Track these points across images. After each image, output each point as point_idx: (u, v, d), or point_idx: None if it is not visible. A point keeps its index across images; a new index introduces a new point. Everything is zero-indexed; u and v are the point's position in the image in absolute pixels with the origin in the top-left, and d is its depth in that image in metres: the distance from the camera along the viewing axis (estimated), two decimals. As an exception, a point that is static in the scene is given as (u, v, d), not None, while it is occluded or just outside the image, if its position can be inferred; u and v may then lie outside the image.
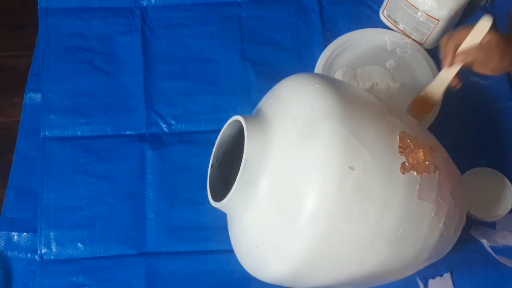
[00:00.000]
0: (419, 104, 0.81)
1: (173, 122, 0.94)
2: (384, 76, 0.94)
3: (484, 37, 0.74)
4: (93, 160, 0.91)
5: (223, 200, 0.64)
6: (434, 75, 0.93)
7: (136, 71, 0.97)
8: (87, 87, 0.96)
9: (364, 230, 0.59)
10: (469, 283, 0.84)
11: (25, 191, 0.90)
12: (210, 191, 0.69)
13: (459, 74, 0.78)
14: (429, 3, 0.89)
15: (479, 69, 0.76)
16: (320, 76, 0.69)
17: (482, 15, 0.85)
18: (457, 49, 0.76)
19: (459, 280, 0.83)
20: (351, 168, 0.57)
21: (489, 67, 0.75)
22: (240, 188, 0.62)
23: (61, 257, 0.86)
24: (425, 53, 0.96)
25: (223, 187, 0.67)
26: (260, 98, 0.74)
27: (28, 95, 0.97)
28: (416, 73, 0.95)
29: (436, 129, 0.82)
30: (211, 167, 0.72)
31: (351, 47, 0.96)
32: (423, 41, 0.96)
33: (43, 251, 0.86)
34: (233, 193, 0.62)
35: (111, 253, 0.86)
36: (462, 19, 0.97)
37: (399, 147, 0.61)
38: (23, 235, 0.87)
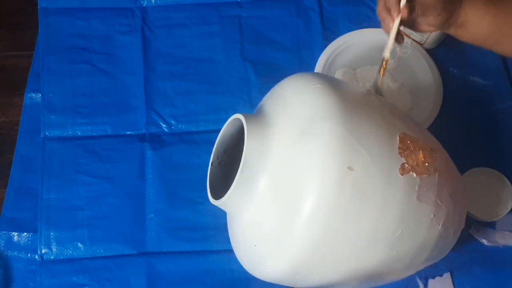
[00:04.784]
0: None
1: (173, 122, 0.94)
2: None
3: None
4: (93, 160, 0.91)
5: (223, 197, 0.64)
6: (434, 75, 0.94)
7: (136, 71, 0.97)
8: (87, 87, 0.96)
9: (362, 230, 0.59)
10: (469, 283, 0.83)
11: (25, 191, 0.90)
12: (210, 189, 0.69)
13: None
14: (429, 3, 0.89)
15: (419, 20, 0.71)
16: (321, 76, 0.69)
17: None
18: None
19: (459, 280, 0.83)
20: (350, 168, 0.57)
21: (428, 20, 0.70)
22: (240, 186, 0.62)
23: (61, 257, 0.86)
24: (425, 53, 0.96)
25: (223, 185, 0.67)
26: (260, 98, 0.74)
27: (28, 95, 0.97)
28: (416, 73, 0.95)
29: (436, 129, 0.82)
30: (212, 164, 0.72)
31: (351, 47, 0.96)
32: (423, 41, 0.96)
33: (43, 251, 0.86)
34: (233, 191, 0.62)
35: (111, 253, 0.86)
36: (462, 19, 0.97)
37: (399, 148, 0.61)
38: (23, 235, 0.87)
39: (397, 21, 0.70)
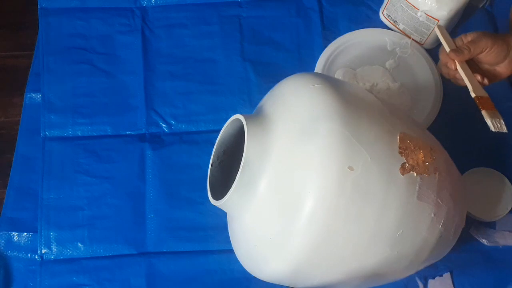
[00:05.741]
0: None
1: (173, 122, 0.94)
2: (384, 76, 0.94)
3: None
4: (93, 160, 0.91)
5: (223, 198, 0.64)
6: (434, 75, 0.94)
7: (136, 71, 0.97)
8: (87, 87, 0.96)
9: (363, 230, 0.59)
10: (469, 283, 0.84)
11: (25, 191, 0.90)
12: (210, 190, 0.69)
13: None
14: (429, 3, 0.89)
15: (481, 59, 0.76)
16: (321, 76, 0.69)
17: (482, 16, 0.85)
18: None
19: (459, 280, 0.83)
20: (350, 168, 0.57)
21: (487, 56, 0.75)
22: (240, 187, 0.62)
23: (61, 257, 0.86)
24: (425, 53, 0.96)
25: (223, 185, 0.67)
26: (260, 98, 0.74)
27: (28, 95, 0.97)
28: (416, 73, 0.95)
29: (436, 129, 0.82)
30: (212, 165, 0.72)
31: (351, 47, 0.96)
32: (423, 41, 0.96)
33: (43, 251, 0.86)
34: (233, 192, 0.62)
35: (111, 253, 0.86)
36: (462, 20, 0.97)
37: (399, 147, 0.61)
38: (23, 235, 0.87)
39: (460, 67, 0.74)
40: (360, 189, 0.58)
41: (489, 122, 0.70)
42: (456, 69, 0.75)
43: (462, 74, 0.74)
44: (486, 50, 0.74)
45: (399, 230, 0.60)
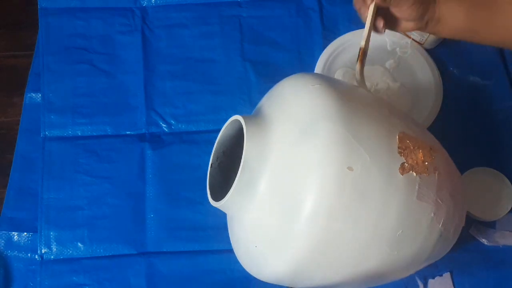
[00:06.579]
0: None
1: (173, 122, 0.94)
2: (384, 76, 0.94)
3: None
4: (93, 160, 0.91)
5: (223, 199, 0.64)
6: (434, 75, 0.94)
7: (136, 71, 0.97)
8: (87, 87, 0.96)
9: (362, 230, 0.59)
10: (469, 283, 0.84)
11: (25, 191, 0.90)
12: (210, 191, 0.69)
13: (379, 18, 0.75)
14: (429, 3, 0.89)
15: (394, 12, 0.73)
16: (320, 76, 0.69)
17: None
18: None
19: (459, 280, 0.83)
20: (350, 168, 0.57)
21: (402, 11, 0.71)
22: (240, 188, 0.62)
23: (61, 257, 0.86)
24: (425, 53, 0.96)
25: (223, 186, 0.67)
26: (260, 98, 0.74)
27: (28, 95, 0.97)
28: (416, 73, 0.95)
29: (436, 129, 0.82)
30: (211, 166, 0.72)
31: (351, 47, 0.96)
32: (423, 41, 0.96)
33: (43, 251, 0.86)
34: (232, 193, 0.62)
35: (111, 253, 0.86)
36: (462, 19, 0.97)
37: (399, 147, 0.61)
38: (23, 235, 0.87)
39: (371, 8, 0.72)
40: (360, 189, 0.57)
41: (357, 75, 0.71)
42: (369, 6, 0.72)
43: (368, 17, 0.72)
44: (405, 7, 0.70)
45: (399, 230, 0.60)
